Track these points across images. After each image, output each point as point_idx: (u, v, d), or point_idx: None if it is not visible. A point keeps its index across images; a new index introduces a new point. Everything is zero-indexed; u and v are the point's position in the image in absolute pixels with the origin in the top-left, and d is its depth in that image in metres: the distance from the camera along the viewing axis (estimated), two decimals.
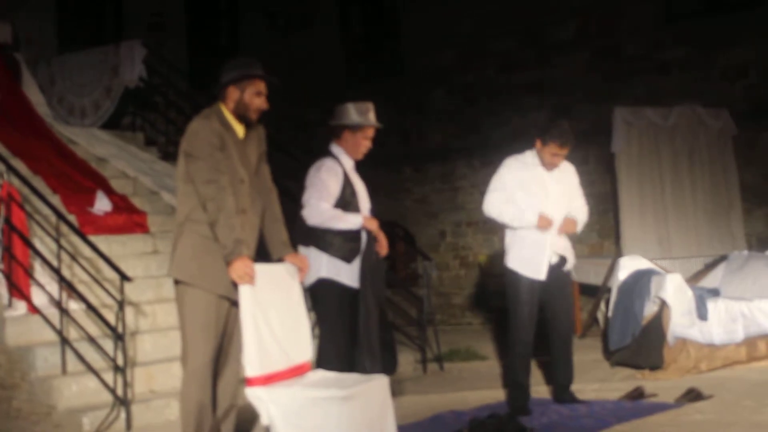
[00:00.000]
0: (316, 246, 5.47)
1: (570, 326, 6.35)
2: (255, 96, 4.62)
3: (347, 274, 5.50)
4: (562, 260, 6.16)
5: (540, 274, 6.03)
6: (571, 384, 6.30)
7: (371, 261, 5.52)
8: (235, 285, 4.47)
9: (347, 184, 5.56)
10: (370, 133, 5.65)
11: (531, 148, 6.16)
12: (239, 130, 4.65)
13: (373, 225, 5.55)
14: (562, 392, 6.27)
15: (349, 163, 5.65)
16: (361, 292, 5.47)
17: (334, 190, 5.47)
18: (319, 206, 5.43)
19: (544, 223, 5.97)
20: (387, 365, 5.56)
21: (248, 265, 4.41)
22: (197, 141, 4.50)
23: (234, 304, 4.58)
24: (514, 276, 6.09)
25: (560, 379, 6.29)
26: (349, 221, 5.48)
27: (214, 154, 4.46)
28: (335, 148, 5.64)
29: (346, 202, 5.53)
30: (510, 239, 6.16)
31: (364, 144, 5.63)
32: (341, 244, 5.48)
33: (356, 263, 5.50)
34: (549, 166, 6.07)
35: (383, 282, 5.75)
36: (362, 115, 5.60)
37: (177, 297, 4.63)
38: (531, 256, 6.03)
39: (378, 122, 5.67)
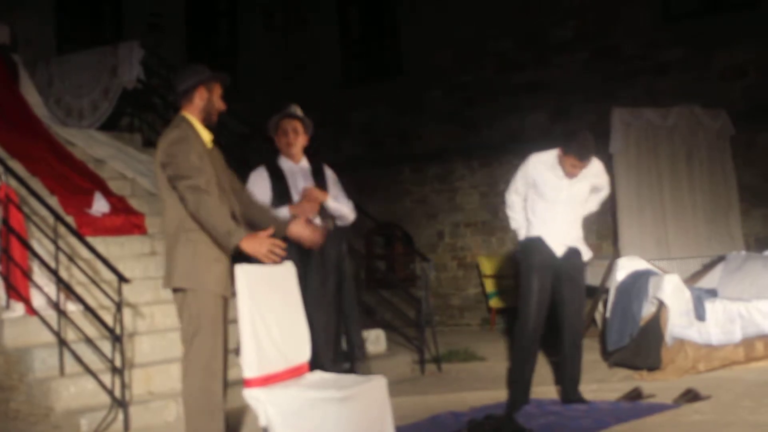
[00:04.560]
0: None
1: (580, 321, 6.32)
2: (219, 97, 4.76)
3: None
4: (576, 251, 6.23)
5: (557, 249, 6.15)
6: (579, 383, 6.30)
7: (305, 251, 5.60)
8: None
9: (278, 184, 5.97)
10: (289, 126, 6.10)
11: (554, 148, 6.20)
12: (206, 138, 4.70)
13: (301, 209, 5.80)
14: (571, 391, 6.25)
15: (287, 164, 6.09)
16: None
17: (259, 192, 5.78)
18: None
19: None
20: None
21: (265, 241, 4.44)
22: (174, 149, 4.52)
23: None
24: (529, 251, 6.17)
25: (568, 376, 6.28)
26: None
27: (191, 158, 4.49)
28: (278, 156, 6.16)
29: (277, 201, 5.90)
30: (531, 215, 6.26)
31: (284, 140, 6.10)
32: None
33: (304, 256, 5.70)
34: (569, 175, 6.13)
35: (337, 267, 6.07)
36: (277, 113, 6.11)
37: (182, 304, 4.58)
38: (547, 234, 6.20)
39: (300, 114, 6.11)
